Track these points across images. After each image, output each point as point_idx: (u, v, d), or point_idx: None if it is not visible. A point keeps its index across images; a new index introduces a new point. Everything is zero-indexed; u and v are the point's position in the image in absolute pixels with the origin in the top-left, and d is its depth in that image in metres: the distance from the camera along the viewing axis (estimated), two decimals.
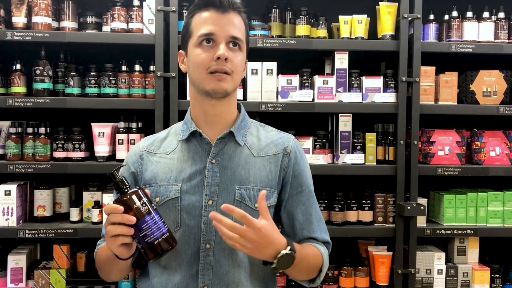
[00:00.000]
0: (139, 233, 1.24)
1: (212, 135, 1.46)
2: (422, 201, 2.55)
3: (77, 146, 2.41)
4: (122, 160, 2.41)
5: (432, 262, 2.55)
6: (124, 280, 2.43)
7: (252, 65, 2.44)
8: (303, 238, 1.50)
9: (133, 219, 1.22)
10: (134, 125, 2.47)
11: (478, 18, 2.60)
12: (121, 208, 1.23)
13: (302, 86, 2.49)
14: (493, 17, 2.62)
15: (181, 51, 1.49)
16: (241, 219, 1.23)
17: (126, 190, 1.27)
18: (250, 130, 1.52)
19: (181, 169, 1.45)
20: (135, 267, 1.50)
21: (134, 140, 2.43)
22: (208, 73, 1.38)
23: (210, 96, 1.41)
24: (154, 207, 1.28)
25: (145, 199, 1.26)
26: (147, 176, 1.47)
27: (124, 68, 2.47)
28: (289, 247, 1.29)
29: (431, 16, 2.59)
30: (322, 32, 2.56)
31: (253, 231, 1.23)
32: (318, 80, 2.48)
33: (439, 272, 2.55)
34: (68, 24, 2.43)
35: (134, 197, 1.25)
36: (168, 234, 1.27)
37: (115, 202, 1.26)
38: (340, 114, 2.50)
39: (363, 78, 2.51)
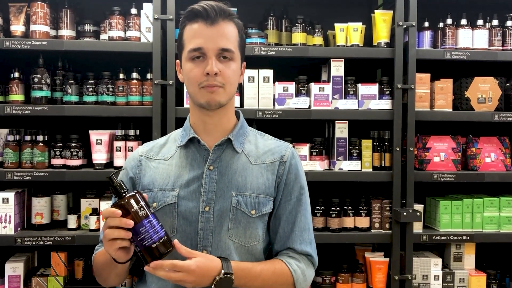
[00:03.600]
0: (136, 236, 1.25)
1: (210, 142, 1.48)
2: (418, 207, 2.56)
3: (75, 153, 2.42)
4: (120, 167, 2.42)
5: (428, 268, 2.56)
6: (121, 287, 2.43)
7: (248, 72, 2.46)
8: (284, 248, 1.50)
9: (130, 223, 1.23)
10: (131, 132, 2.48)
11: (473, 25, 2.63)
12: (119, 211, 1.24)
13: (298, 93, 2.50)
14: (487, 25, 2.64)
15: (177, 60, 1.51)
16: (173, 268, 1.26)
17: (124, 194, 1.28)
18: (248, 138, 1.54)
19: (179, 175, 1.46)
20: (132, 275, 1.50)
21: (132, 147, 2.44)
22: (200, 88, 1.40)
23: (205, 108, 1.43)
24: (152, 211, 1.29)
25: (142, 203, 1.27)
26: (145, 182, 1.48)
27: (121, 76, 2.48)
28: (223, 271, 1.32)
29: (426, 24, 2.61)
30: (318, 39, 2.58)
31: (191, 273, 1.28)
32: (314, 87, 2.50)
33: (436, 278, 2.56)
34: (66, 32, 2.45)
35: (132, 201, 1.26)
36: (165, 237, 1.27)
37: (113, 206, 1.27)
38: (336, 121, 2.52)
39: (359, 85, 2.53)
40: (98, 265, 1.50)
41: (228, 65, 1.41)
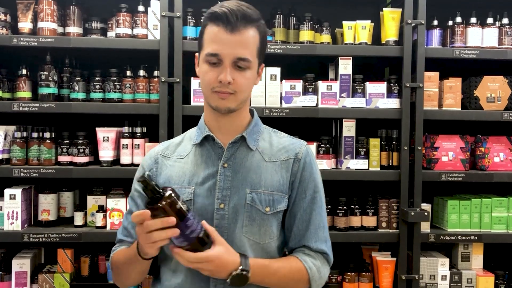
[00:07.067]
0: (185, 230, 1.26)
1: (224, 139, 1.48)
2: (426, 206, 2.55)
3: (81, 150, 2.42)
4: (126, 165, 2.43)
5: (436, 268, 2.54)
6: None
7: None
8: (298, 245, 1.50)
9: (173, 220, 1.22)
10: (138, 130, 2.48)
11: (482, 24, 2.61)
12: (173, 219, 1.22)
13: (305, 91, 2.49)
14: (497, 23, 2.62)
15: (197, 54, 1.50)
16: (197, 260, 1.28)
17: (162, 194, 1.25)
18: (262, 135, 1.53)
19: (194, 172, 1.46)
20: (148, 273, 1.50)
21: (139, 144, 2.44)
22: (213, 92, 1.39)
23: (216, 110, 1.43)
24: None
25: (180, 198, 1.28)
26: (162, 180, 1.48)
27: (128, 73, 2.48)
28: (240, 268, 1.32)
29: (435, 22, 2.60)
30: (326, 37, 2.56)
31: (210, 263, 1.29)
32: (321, 85, 2.49)
33: (443, 278, 2.54)
34: (74, 29, 2.45)
35: (173, 198, 1.25)
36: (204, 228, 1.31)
37: (159, 204, 1.23)
38: (343, 120, 2.50)
39: (367, 83, 2.52)
40: (119, 264, 1.49)
41: (243, 74, 1.39)
